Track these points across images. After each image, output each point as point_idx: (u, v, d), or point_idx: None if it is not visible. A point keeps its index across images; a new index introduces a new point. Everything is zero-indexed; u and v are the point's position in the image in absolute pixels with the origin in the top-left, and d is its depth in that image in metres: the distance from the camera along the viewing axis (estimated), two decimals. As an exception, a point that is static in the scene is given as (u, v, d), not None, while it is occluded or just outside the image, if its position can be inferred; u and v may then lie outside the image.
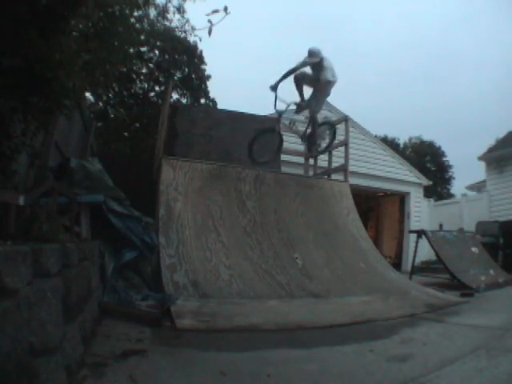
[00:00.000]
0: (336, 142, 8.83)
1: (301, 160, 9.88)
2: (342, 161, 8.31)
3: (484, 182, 14.18)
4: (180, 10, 8.90)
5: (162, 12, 8.37)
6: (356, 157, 10.99)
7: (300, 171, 9.33)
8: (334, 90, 6.89)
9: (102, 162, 5.19)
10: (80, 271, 2.30)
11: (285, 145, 9.22)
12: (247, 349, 2.85)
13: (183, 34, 11.31)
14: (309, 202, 6.87)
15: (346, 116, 9.00)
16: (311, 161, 9.67)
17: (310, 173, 9.35)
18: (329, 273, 5.58)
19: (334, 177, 8.34)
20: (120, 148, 11.76)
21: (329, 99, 7.37)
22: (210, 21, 4.49)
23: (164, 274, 4.47)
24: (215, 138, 8.24)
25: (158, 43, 11.68)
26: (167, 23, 9.73)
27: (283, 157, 9.05)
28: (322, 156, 9.26)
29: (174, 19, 9.60)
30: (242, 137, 8.37)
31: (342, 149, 8.40)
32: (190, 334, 3.16)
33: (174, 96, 12.40)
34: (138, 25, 5.42)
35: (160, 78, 12.69)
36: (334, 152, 8.77)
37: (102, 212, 3.96)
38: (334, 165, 8.55)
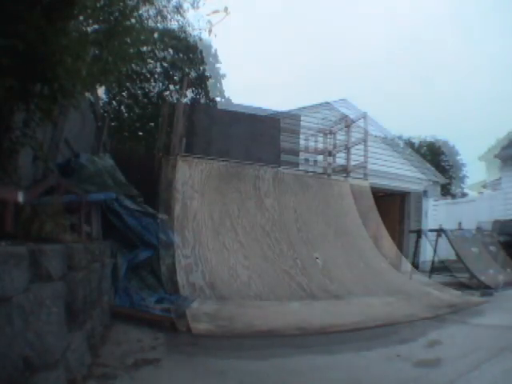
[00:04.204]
0: (354, 139, 8.60)
1: (319, 158, 9.66)
2: (360, 159, 8.05)
3: (499, 180, 13.85)
4: (194, 5, 8.74)
5: (176, 9, 8.22)
6: (376, 155, 10.71)
7: (319, 169, 9.11)
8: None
9: (115, 160, 5.06)
10: (88, 274, 2.13)
11: (304, 143, 9.07)
12: (269, 356, 2.68)
13: (197, 32, 11.16)
14: (328, 201, 6.66)
15: (365, 112, 8.71)
16: (330, 159, 9.45)
17: (329, 171, 9.12)
18: (349, 273, 5.40)
19: (352, 175, 8.10)
20: (134, 146, 11.69)
21: (346, 97, 7.02)
22: (222, 13, 4.32)
23: (179, 275, 4.32)
24: (233, 137, 8.07)
25: (172, 42, 11.56)
26: (181, 18, 9.58)
27: (302, 155, 8.85)
28: (340, 154, 9.04)
29: (188, 16, 9.45)
30: (260, 135, 8.20)
31: (361, 147, 8.14)
32: (207, 340, 2.98)
33: (189, 95, 12.28)
34: (150, 23, 5.28)
35: (175, 77, 12.58)
36: (352, 150, 8.52)
37: (114, 209, 3.80)
38: (353, 163, 8.30)
